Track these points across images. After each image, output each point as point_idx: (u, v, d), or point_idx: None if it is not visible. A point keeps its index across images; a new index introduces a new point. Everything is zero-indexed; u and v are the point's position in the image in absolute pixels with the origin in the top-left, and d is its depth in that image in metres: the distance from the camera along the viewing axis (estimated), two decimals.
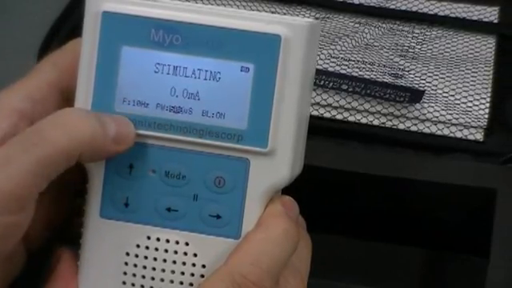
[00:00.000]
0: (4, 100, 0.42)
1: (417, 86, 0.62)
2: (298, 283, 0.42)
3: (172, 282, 0.42)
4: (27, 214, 0.39)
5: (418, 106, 0.60)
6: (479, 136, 0.59)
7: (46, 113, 0.42)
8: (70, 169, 0.40)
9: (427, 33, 0.68)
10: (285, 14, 0.69)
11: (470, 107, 0.60)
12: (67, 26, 0.68)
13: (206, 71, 0.40)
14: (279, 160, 0.41)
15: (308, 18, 0.69)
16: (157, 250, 0.42)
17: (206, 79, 0.40)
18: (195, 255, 0.41)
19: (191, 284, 0.41)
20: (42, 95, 0.42)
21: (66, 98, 0.43)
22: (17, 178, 0.38)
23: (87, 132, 0.39)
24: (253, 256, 0.40)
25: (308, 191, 0.44)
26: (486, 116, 0.60)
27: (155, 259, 0.42)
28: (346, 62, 0.64)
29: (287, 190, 0.43)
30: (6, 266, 0.42)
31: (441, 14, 0.69)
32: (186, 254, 0.41)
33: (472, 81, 0.63)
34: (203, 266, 0.41)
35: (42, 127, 0.39)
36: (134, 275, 0.42)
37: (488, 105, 0.61)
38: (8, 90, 0.42)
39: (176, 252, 0.42)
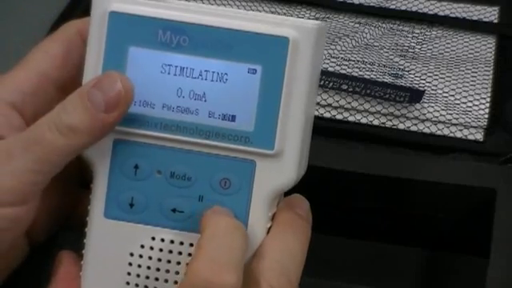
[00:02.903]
0: None
1: (417, 86, 0.62)
2: (284, 284, 0.41)
3: (176, 282, 0.41)
4: (30, 207, 0.40)
5: (418, 106, 0.60)
6: (479, 136, 0.59)
7: (37, 104, 0.42)
8: (73, 161, 0.40)
9: (427, 33, 0.68)
10: (285, 14, 0.69)
11: (470, 107, 0.60)
12: None
13: (213, 72, 0.40)
14: (286, 162, 0.40)
15: (308, 18, 0.69)
16: (161, 250, 0.41)
17: (212, 80, 0.40)
18: None
19: None
20: (32, 87, 0.42)
21: (60, 87, 0.43)
22: (18, 175, 0.38)
23: (82, 127, 0.39)
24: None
25: (308, 191, 0.44)
26: (486, 116, 0.60)
27: (159, 260, 0.42)
28: (346, 62, 0.64)
29: (287, 190, 0.43)
30: (6, 257, 0.42)
31: (441, 13, 0.69)
32: (190, 255, 0.41)
33: (472, 81, 0.63)
34: None
35: (40, 123, 0.39)
36: (138, 276, 0.42)
37: (488, 105, 0.61)
38: None
39: (180, 253, 0.41)
